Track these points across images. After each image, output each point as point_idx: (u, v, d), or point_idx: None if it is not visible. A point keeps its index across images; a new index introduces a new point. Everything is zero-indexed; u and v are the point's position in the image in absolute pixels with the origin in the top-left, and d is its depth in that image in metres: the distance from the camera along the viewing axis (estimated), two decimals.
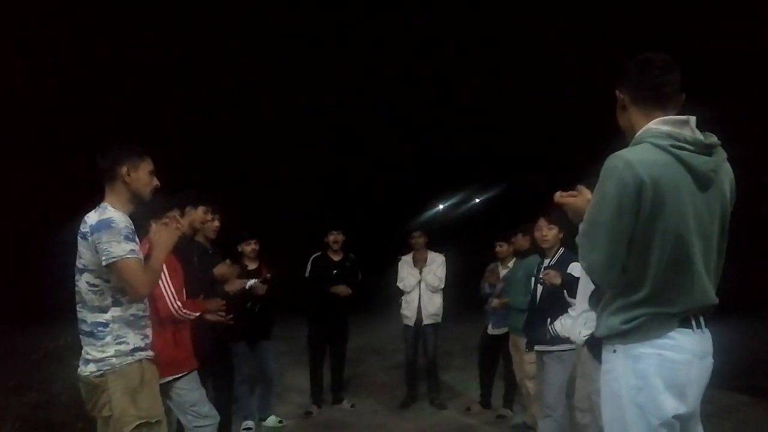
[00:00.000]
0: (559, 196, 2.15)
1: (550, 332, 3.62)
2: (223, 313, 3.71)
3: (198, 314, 3.36)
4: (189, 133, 11.84)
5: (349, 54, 12.01)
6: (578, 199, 2.12)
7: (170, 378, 3.14)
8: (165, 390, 3.17)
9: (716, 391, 4.77)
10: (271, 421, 5.20)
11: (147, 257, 2.70)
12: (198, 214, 3.82)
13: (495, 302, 5.07)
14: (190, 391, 3.20)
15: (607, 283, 1.87)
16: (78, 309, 2.56)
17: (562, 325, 3.54)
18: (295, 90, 12.79)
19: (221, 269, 3.95)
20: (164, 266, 3.04)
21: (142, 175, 2.64)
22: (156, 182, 2.71)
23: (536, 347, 3.80)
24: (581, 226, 1.89)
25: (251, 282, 4.83)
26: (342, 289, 5.52)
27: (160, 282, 3.06)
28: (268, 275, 5.07)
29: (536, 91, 11.51)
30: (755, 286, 7.44)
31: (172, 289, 3.12)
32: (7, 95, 9.67)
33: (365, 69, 12.32)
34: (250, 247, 5.10)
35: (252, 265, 5.10)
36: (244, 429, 4.95)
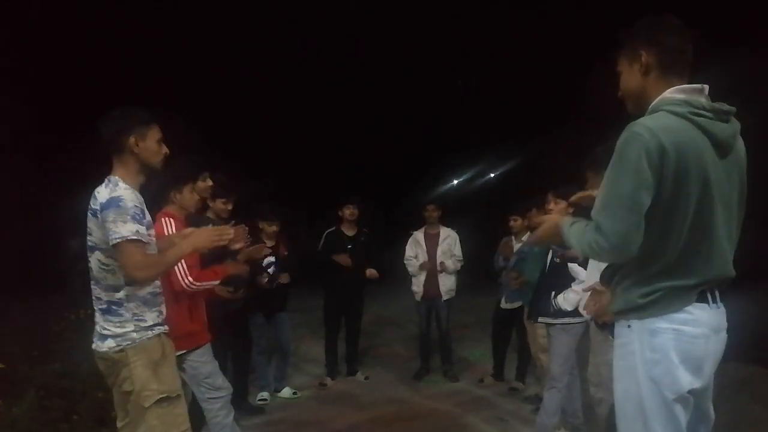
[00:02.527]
0: (532, 219, 2.12)
1: (553, 305, 3.66)
2: (233, 290, 3.76)
3: (217, 282, 3.38)
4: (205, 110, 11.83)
5: (363, 30, 11.83)
6: (544, 226, 2.04)
7: (185, 351, 3.20)
8: (179, 362, 3.21)
9: (731, 364, 4.72)
10: (286, 392, 5.29)
11: (164, 240, 2.68)
12: (198, 184, 3.83)
13: (513, 281, 5.07)
14: (204, 363, 3.25)
15: (625, 257, 1.77)
16: (92, 286, 2.50)
17: (564, 299, 3.59)
18: (311, 63, 12.68)
19: (252, 253, 3.86)
20: None
21: (151, 145, 2.49)
22: (165, 150, 2.56)
23: (540, 319, 3.83)
24: (597, 200, 1.81)
25: (272, 260, 4.98)
26: (344, 259, 5.52)
27: None
28: (285, 253, 5.16)
29: (554, 64, 11.28)
30: None
31: (183, 265, 3.13)
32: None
33: (380, 46, 12.16)
34: (271, 229, 5.14)
35: (270, 242, 5.15)
36: (259, 400, 5.05)
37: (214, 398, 3.26)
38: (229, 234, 2.69)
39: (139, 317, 2.44)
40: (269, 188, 9.76)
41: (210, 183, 4.10)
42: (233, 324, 4.22)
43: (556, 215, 2.04)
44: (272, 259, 5.03)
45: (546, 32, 10.68)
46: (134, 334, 2.41)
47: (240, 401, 4.41)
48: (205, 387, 3.25)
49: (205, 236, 2.62)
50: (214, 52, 11.43)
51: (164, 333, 2.54)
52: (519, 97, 12.53)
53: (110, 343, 2.41)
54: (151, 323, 2.47)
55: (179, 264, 3.12)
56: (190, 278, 3.16)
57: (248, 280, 4.31)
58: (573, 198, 2.25)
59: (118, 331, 2.41)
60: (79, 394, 4.31)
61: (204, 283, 3.24)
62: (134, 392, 2.40)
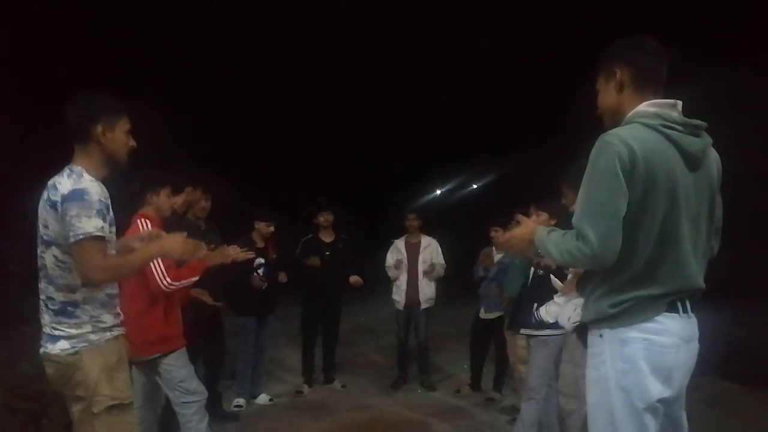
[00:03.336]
0: (499, 237, 2.15)
1: (535, 317, 3.66)
2: (211, 295, 3.73)
3: (196, 278, 3.32)
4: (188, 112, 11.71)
5: (347, 41, 11.86)
6: (520, 228, 2.07)
7: (159, 354, 3.15)
8: (153, 366, 3.19)
9: (706, 379, 4.80)
10: (262, 398, 5.23)
11: (127, 244, 2.55)
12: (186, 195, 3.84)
13: (493, 291, 5.09)
14: (179, 367, 3.20)
15: (607, 263, 1.78)
16: (43, 285, 2.27)
17: (547, 312, 3.58)
18: (294, 71, 12.67)
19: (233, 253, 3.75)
20: None
21: (119, 136, 2.31)
22: (133, 143, 2.38)
23: (522, 330, 3.84)
24: (577, 209, 1.85)
25: (262, 261, 5.01)
26: (313, 261, 5.47)
27: None
28: (274, 256, 5.15)
29: (536, 78, 11.42)
30: (746, 274, 7.45)
31: (161, 266, 3.10)
32: None
33: (363, 52, 12.20)
34: (268, 229, 5.13)
35: (260, 243, 5.13)
36: (235, 406, 4.99)
37: (188, 402, 3.21)
38: (201, 252, 2.53)
39: (97, 319, 2.27)
40: (247, 195, 9.69)
41: (199, 194, 4.09)
42: (206, 329, 4.17)
43: (531, 224, 2.06)
44: (261, 260, 5.03)
45: (530, 46, 10.82)
46: (92, 336, 2.24)
47: (214, 407, 4.34)
48: (180, 391, 3.20)
49: (178, 246, 2.43)
50: (198, 51, 11.35)
51: (122, 335, 2.39)
52: (503, 109, 12.66)
53: (63, 345, 2.21)
54: (110, 324, 2.31)
55: (156, 265, 3.08)
56: (168, 279, 3.12)
57: (225, 287, 4.31)
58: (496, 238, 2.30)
59: (74, 332, 2.22)
60: (48, 397, 4.21)
61: (183, 282, 3.20)
62: (86, 398, 2.22)
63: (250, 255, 4.49)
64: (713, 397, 4.86)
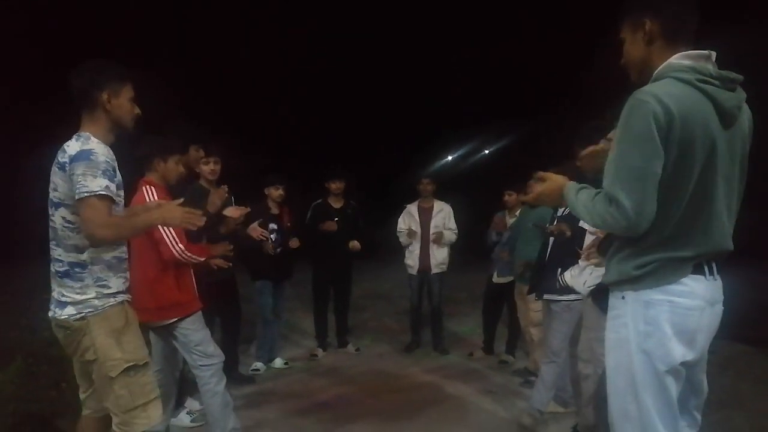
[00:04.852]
0: (530, 190, 2.09)
1: (559, 282, 3.62)
2: (224, 260, 3.73)
3: (203, 259, 3.36)
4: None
5: (359, 8, 11.64)
6: (547, 184, 1.99)
7: (175, 319, 3.18)
8: (170, 330, 3.22)
9: (719, 341, 4.76)
10: (278, 362, 5.30)
11: (133, 210, 2.57)
12: (191, 153, 3.81)
13: (505, 254, 5.07)
14: (195, 331, 3.23)
15: (642, 230, 1.71)
16: (52, 246, 2.33)
17: (571, 276, 3.55)
18: (307, 43, 12.52)
19: (213, 203, 3.67)
20: None
21: (124, 102, 2.36)
22: (137, 110, 2.43)
23: (545, 296, 3.81)
24: (608, 171, 1.74)
25: (275, 227, 5.05)
26: (330, 225, 5.50)
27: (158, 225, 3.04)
28: (288, 223, 5.17)
29: (550, 44, 11.18)
30: (761, 235, 7.36)
31: (172, 232, 3.09)
32: None
33: (378, 22, 11.99)
34: (277, 192, 5.16)
35: (275, 210, 5.16)
36: (252, 370, 5.06)
37: (205, 365, 3.25)
38: (200, 221, 2.47)
39: (102, 282, 2.31)
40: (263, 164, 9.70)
41: (202, 153, 4.08)
42: (222, 292, 4.20)
43: (558, 179, 1.97)
44: (274, 226, 5.07)
45: (544, 11, 10.57)
46: (96, 302, 2.29)
47: (230, 370, 4.41)
48: (197, 354, 3.23)
49: (177, 214, 2.39)
50: (217, 23, 11.24)
51: (128, 301, 2.43)
52: (517, 74, 12.45)
53: (70, 311, 2.28)
54: (114, 290, 2.34)
55: (166, 232, 3.08)
56: (180, 246, 3.12)
57: (239, 252, 4.33)
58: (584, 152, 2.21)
59: (79, 297, 2.28)
60: (67, 362, 4.30)
61: (192, 255, 3.21)
62: (98, 362, 2.29)
63: (258, 233, 4.60)
64: (727, 359, 4.86)
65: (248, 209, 4.02)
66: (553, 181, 1.98)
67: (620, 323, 1.82)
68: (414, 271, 5.83)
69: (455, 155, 17.04)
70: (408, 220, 5.85)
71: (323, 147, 13.42)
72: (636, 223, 1.69)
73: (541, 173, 2.04)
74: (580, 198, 1.83)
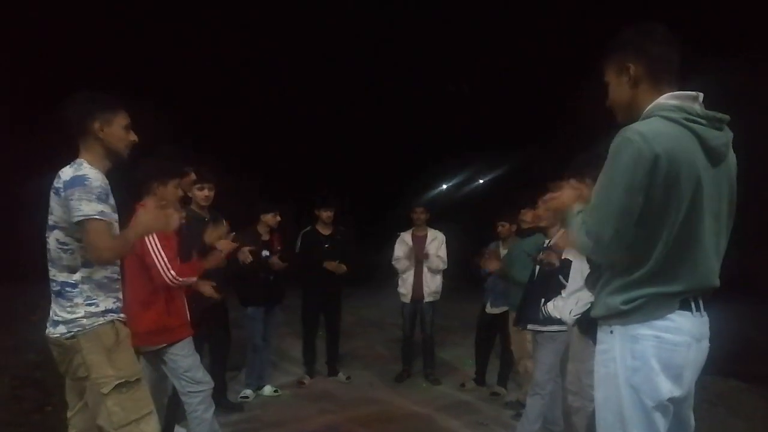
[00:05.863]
0: (542, 206, 2.10)
1: (542, 312, 3.64)
2: (215, 288, 3.71)
3: (195, 279, 3.34)
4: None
5: (354, 35, 11.80)
6: (562, 195, 2.03)
7: (164, 344, 3.16)
8: (159, 355, 3.20)
9: (710, 377, 4.77)
10: (267, 390, 5.24)
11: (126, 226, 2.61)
12: (189, 178, 3.86)
13: (492, 264, 4.98)
14: (184, 357, 3.21)
15: (611, 260, 1.79)
16: (49, 267, 2.44)
17: (554, 307, 3.56)
18: (302, 65, 12.64)
19: (212, 236, 3.73)
20: (154, 235, 3.03)
21: (117, 131, 2.44)
22: (133, 137, 2.51)
23: (529, 326, 3.82)
24: (590, 203, 1.80)
25: (267, 253, 5.04)
26: (334, 266, 5.51)
27: (150, 251, 3.06)
28: (279, 248, 5.17)
29: (542, 71, 11.36)
30: (753, 272, 7.42)
31: (164, 258, 3.10)
32: None
33: (372, 51, 12.15)
34: (274, 219, 5.16)
35: (266, 236, 5.15)
36: (241, 397, 5.00)
37: (194, 392, 3.22)
38: (175, 218, 2.63)
39: (92, 301, 2.37)
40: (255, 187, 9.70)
41: (194, 177, 4.10)
42: (212, 317, 4.17)
43: (573, 195, 2.01)
44: (266, 253, 5.06)
45: (537, 41, 10.76)
46: (84, 321, 2.35)
47: (218, 397, 4.36)
48: (186, 380, 3.20)
49: (152, 216, 2.56)
50: (204, 45, 11.33)
51: (119, 320, 2.46)
52: (510, 103, 12.61)
53: (62, 329, 2.35)
54: (103, 308, 2.39)
55: (159, 258, 3.09)
56: (172, 272, 3.11)
57: (229, 278, 4.32)
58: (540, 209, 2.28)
59: (69, 316, 2.35)
60: (53, 385, 4.23)
61: (184, 280, 3.20)
62: (90, 378, 2.34)
63: (247, 258, 4.59)
64: (718, 395, 4.85)
65: (237, 245, 4.03)
66: (567, 195, 2.02)
67: (609, 357, 1.83)
68: (407, 300, 5.82)
69: (449, 184, 17.17)
70: (403, 247, 5.86)
71: (316, 173, 13.47)
72: (598, 252, 1.78)
73: (560, 184, 2.09)
74: (574, 221, 1.87)
